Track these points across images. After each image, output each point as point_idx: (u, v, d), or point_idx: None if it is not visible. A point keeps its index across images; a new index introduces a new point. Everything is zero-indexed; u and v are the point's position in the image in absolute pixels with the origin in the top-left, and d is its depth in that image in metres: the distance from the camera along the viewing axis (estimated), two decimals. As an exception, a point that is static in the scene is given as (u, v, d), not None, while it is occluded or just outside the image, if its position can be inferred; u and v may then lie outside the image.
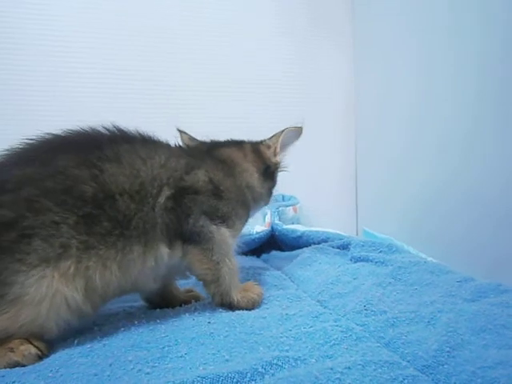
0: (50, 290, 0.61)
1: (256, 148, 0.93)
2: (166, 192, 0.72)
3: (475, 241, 1.02)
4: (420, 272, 0.85)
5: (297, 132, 0.95)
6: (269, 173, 0.93)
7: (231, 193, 0.81)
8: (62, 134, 0.71)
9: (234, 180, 0.84)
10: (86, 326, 0.70)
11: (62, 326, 0.64)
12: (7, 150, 0.67)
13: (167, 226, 0.72)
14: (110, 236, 0.66)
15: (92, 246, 0.65)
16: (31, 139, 0.69)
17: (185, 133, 0.97)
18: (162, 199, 0.71)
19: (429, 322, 0.65)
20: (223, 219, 0.78)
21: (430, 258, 1.02)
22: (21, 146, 0.68)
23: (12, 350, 0.59)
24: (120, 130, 0.76)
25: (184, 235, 0.74)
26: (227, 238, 0.78)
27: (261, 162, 0.92)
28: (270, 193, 0.95)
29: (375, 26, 1.44)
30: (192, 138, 0.96)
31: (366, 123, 1.54)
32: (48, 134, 0.70)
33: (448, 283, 0.78)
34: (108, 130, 0.74)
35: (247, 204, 0.87)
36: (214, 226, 0.76)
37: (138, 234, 0.68)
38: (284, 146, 0.95)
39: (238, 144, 0.93)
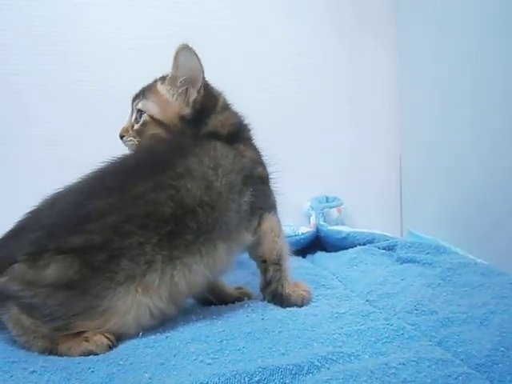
0: (134, 302, 0.68)
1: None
2: (247, 192, 0.78)
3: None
4: (470, 274, 0.86)
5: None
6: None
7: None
8: (130, 158, 0.77)
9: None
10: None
11: (139, 332, 0.69)
12: (80, 179, 0.73)
13: (250, 212, 0.79)
14: (193, 244, 0.72)
15: (176, 257, 0.71)
16: (101, 165, 0.74)
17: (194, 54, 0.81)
18: (246, 197, 0.78)
19: (481, 322, 0.65)
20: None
21: (479, 260, 1.01)
22: (94, 175, 0.74)
23: (87, 339, 0.65)
24: (176, 143, 0.80)
25: (265, 206, 0.82)
26: None
27: None
28: None
29: (418, 26, 1.43)
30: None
31: (410, 122, 1.52)
32: (115, 158, 0.76)
33: (500, 285, 0.78)
34: (164, 144, 0.79)
35: None
36: None
37: (222, 234, 0.74)
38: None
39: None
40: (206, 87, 0.85)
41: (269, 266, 0.81)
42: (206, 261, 0.73)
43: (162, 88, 0.84)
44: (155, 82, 0.87)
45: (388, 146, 1.59)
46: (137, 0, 1.44)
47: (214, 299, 0.86)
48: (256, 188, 0.80)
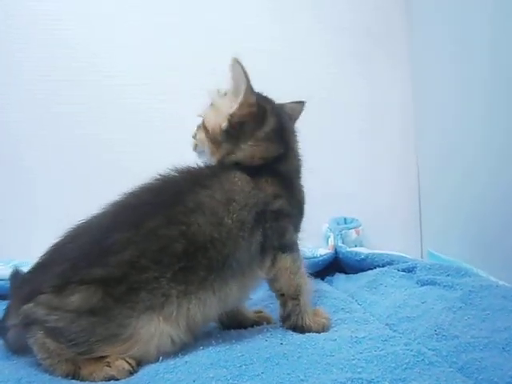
0: (157, 330, 0.69)
1: None
2: (259, 230, 0.77)
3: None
4: (492, 296, 0.84)
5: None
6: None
7: (297, 200, 0.85)
8: (147, 191, 0.77)
9: (293, 185, 0.86)
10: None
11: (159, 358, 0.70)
12: (100, 212, 0.76)
13: (261, 251, 0.78)
14: (206, 281, 0.73)
15: (191, 292, 0.72)
16: (120, 198, 0.76)
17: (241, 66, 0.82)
18: (257, 237, 0.77)
19: (503, 348, 0.64)
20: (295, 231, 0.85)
21: (501, 282, 0.99)
22: (113, 208, 0.76)
23: (108, 364, 0.67)
24: (192, 174, 0.80)
25: (279, 246, 0.80)
26: None
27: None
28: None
29: (431, 43, 1.44)
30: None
31: (426, 140, 1.52)
32: (134, 190, 0.77)
33: (522, 308, 0.77)
34: (181, 175, 0.79)
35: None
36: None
37: (233, 273, 0.75)
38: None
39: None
40: (255, 106, 0.83)
41: (287, 301, 0.81)
42: (218, 297, 0.74)
43: (216, 97, 0.87)
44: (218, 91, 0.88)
45: (405, 166, 1.59)
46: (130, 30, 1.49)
47: (233, 322, 0.86)
48: (268, 225, 0.78)
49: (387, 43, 1.60)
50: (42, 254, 0.75)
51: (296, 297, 0.80)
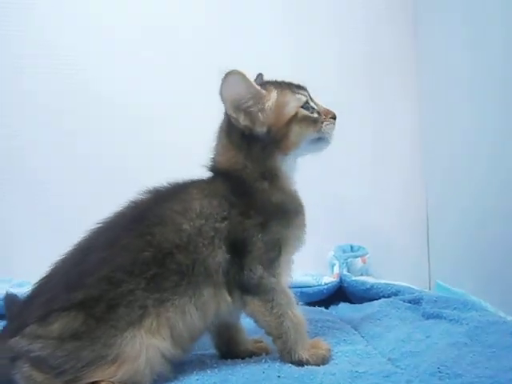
0: (142, 345, 0.69)
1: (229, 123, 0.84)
2: (219, 250, 0.76)
3: None
4: (499, 333, 0.81)
5: (228, 81, 0.78)
6: (250, 137, 0.82)
7: (263, 206, 0.80)
8: (121, 214, 0.80)
9: (253, 190, 0.81)
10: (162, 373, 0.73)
11: (155, 379, 0.70)
12: (82, 238, 0.78)
13: (225, 275, 0.77)
14: (179, 286, 0.74)
15: (166, 299, 0.73)
16: (99, 224, 0.79)
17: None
18: (218, 254, 0.76)
19: (508, 389, 0.62)
20: (279, 248, 0.79)
21: (510, 318, 0.96)
22: (91, 234, 0.78)
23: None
24: (156, 192, 0.82)
25: (242, 286, 0.78)
26: (287, 289, 0.80)
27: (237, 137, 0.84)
28: (267, 151, 0.82)
29: (440, 76, 1.45)
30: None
31: (434, 167, 1.51)
32: (111, 214, 0.80)
33: (530, 347, 0.74)
34: (148, 194, 0.82)
35: (280, 203, 0.82)
36: (273, 278, 0.78)
37: (204, 279, 0.75)
38: (236, 100, 0.80)
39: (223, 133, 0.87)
40: None
41: (275, 339, 0.78)
42: (195, 305, 0.74)
43: None
44: None
45: (414, 194, 1.57)
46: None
47: (230, 351, 0.85)
48: (230, 253, 0.77)
49: (396, 69, 1.60)
50: (33, 286, 0.77)
51: (281, 336, 0.77)
